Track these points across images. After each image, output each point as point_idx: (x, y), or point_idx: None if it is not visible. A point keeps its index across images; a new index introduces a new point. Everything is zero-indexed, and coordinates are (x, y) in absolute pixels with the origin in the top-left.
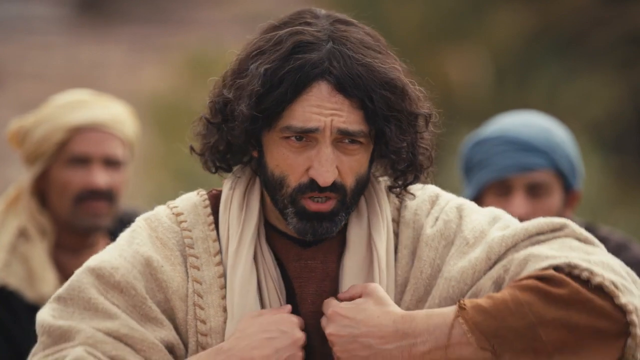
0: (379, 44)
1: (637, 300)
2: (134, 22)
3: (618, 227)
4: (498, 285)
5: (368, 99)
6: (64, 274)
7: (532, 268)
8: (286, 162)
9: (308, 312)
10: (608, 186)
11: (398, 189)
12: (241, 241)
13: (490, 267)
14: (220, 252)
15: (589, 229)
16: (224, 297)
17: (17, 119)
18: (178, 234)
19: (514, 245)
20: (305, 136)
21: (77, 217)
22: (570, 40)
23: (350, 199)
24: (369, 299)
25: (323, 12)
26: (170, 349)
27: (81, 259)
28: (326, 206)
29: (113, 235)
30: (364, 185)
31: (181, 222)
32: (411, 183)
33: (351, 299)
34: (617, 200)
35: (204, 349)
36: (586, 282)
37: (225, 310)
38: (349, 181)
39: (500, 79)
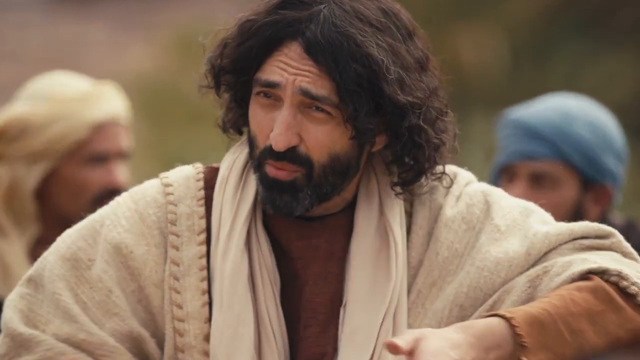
0: (385, 21)
1: None
2: None
3: None
4: (534, 286)
5: (336, 69)
6: None
7: (577, 269)
8: (255, 119)
9: (311, 294)
10: (635, 175)
11: (398, 188)
12: (234, 225)
13: (530, 265)
14: (206, 230)
15: (630, 225)
16: (203, 280)
17: None
18: (162, 208)
19: (557, 247)
20: (272, 93)
21: None
22: (592, 17)
23: (319, 176)
24: (433, 337)
25: None
26: (139, 343)
27: None
28: (284, 174)
29: None
30: (342, 167)
31: (168, 194)
32: (411, 182)
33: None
34: None
35: (180, 335)
36: (632, 297)
37: (204, 293)
38: (318, 155)
39: (516, 59)
